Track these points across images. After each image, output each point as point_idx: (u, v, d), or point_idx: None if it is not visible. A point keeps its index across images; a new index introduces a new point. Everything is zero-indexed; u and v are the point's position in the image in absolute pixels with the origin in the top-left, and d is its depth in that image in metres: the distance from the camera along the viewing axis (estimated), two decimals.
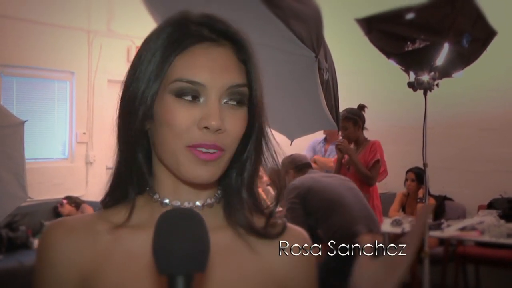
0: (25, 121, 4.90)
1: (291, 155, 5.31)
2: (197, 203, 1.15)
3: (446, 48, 4.52)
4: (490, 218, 6.38)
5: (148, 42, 1.11)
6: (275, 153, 1.20)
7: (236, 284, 1.12)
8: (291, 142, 5.03)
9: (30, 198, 5.01)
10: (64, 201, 7.03)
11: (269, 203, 4.56)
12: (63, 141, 7.93)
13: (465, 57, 4.70)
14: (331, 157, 7.15)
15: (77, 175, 7.81)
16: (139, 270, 1.09)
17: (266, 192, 6.78)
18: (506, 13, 6.51)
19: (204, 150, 1.05)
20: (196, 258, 0.84)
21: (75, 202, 6.95)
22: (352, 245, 4.22)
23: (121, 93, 1.13)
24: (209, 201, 1.17)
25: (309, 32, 3.36)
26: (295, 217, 4.45)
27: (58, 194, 7.24)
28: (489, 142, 7.28)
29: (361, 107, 5.76)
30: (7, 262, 6.05)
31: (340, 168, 5.79)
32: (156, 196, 1.16)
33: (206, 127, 1.04)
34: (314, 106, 3.89)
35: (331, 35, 3.77)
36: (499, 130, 7.21)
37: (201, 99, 1.06)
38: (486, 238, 6.02)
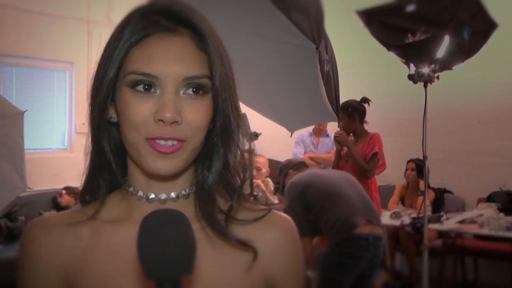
0: (25, 111, 4.90)
1: (287, 159, 5.35)
2: (172, 194, 1.13)
3: (446, 40, 4.50)
4: (489, 211, 6.38)
5: (113, 33, 1.10)
6: (249, 145, 1.19)
7: (221, 280, 1.11)
8: (291, 134, 5.03)
9: (29, 188, 5.01)
10: (63, 192, 7.04)
11: (268, 194, 4.59)
12: (63, 132, 7.93)
13: (465, 49, 4.69)
14: (324, 150, 7.17)
15: (76, 165, 7.69)
16: (121, 264, 1.09)
17: (265, 183, 6.79)
18: (506, 5, 6.49)
19: (162, 143, 1.03)
20: (184, 260, 0.83)
21: (74, 193, 6.94)
22: (350, 237, 4.28)
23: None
24: (184, 192, 1.14)
25: (310, 24, 3.36)
26: (295, 215, 4.45)
27: (57, 184, 7.24)
28: (488, 135, 7.28)
29: (364, 100, 5.74)
30: (6, 251, 6.07)
31: (339, 160, 5.78)
32: (131, 189, 1.14)
33: (161, 120, 1.02)
34: (314, 98, 3.88)
35: (329, 27, 3.76)
36: (499, 123, 7.21)
37: (157, 91, 1.04)
38: (485, 231, 6.02)
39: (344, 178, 4.76)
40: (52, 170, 7.52)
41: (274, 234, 1.18)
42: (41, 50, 7.50)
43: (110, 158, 1.14)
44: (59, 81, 7.89)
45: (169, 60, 1.04)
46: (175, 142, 1.04)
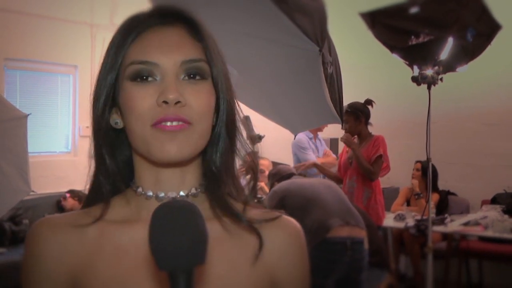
0: (29, 115, 4.90)
1: (276, 167, 5.31)
2: (181, 193, 1.14)
3: (450, 42, 4.50)
4: (493, 213, 6.37)
5: (111, 40, 1.13)
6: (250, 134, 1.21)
7: (229, 276, 1.11)
8: (295, 136, 5.02)
9: (33, 191, 5.01)
10: (67, 195, 7.03)
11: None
12: (66, 135, 7.93)
13: (469, 51, 4.69)
14: (320, 152, 7.08)
15: (80, 168, 7.68)
16: (131, 265, 1.08)
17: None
18: (510, 7, 6.48)
19: (168, 123, 1.04)
20: (196, 251, 0.82)
21: (78, 196, 6.93)
22: (325, 241, 4.25)
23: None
24: (193, 190, 1.15)
25: (314, 26, 3.35)
26: None
27: (61, 187, 7.24)
28: (492, 137, 7.26)
29: (368, 102, 5.73)
30: (10, 255, 6.06)
31: None
32: (140, 189, 1.15)
33: (165, 102, 1.04)
34: (318, 100, 3.88)
35: (332, 29, 3.76)
36: (503, 124, 7.19)
37: (158, 78, 1.07)
38: (489, 233, 6.01)
39: (322, 184, 4.75)
40: (56, 173, 7.52)
41: (282, 236, 1.19)
42: (45, 53, 7.50)
43: (111, 162, 1.16)
44: (63, 85, 7.89)
45: (166, 47, 1.08)
46: (179, 123, 1.05)
